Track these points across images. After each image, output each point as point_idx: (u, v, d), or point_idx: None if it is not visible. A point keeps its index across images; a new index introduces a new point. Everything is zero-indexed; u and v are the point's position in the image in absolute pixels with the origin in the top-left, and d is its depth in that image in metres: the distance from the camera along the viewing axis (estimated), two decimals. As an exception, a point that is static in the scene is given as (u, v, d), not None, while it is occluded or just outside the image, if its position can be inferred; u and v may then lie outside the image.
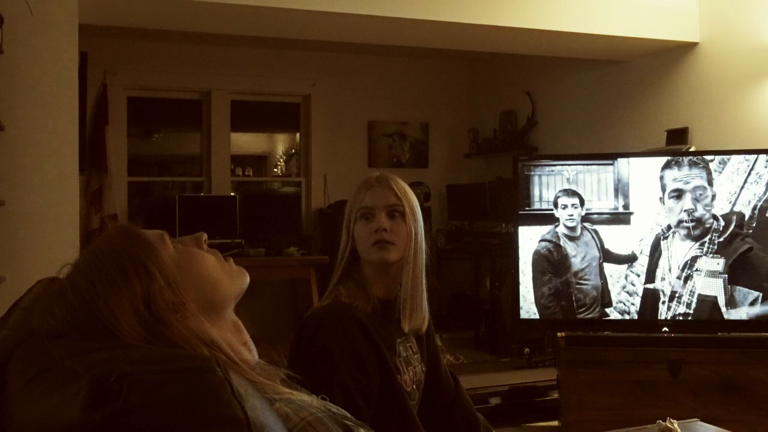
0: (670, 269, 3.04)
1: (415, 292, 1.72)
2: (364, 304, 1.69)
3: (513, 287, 3.20)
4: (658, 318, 3.05)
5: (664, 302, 3.04)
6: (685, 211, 3.01)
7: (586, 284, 3.09)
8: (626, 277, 3.08)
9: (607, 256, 3.09)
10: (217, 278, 1.04)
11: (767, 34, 3.83)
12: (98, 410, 0.71)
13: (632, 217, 3.09)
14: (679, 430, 1.62)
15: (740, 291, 2.98)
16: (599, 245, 3.09)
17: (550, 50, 4.60)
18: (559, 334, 3.12)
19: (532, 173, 3.17)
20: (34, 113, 3.17)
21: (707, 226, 3.00)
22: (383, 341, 1.67)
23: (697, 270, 3.01)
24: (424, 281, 1.75)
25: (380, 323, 1.70)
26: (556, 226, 3.12)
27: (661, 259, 3.05)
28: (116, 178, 5.66)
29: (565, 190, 3.12)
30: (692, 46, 4.30)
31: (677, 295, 3.03)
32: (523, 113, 5.96)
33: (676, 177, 3.04)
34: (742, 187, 2.98)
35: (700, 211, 3.00)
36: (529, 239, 3.14)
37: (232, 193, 6.05)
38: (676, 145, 4.26)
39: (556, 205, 3.12)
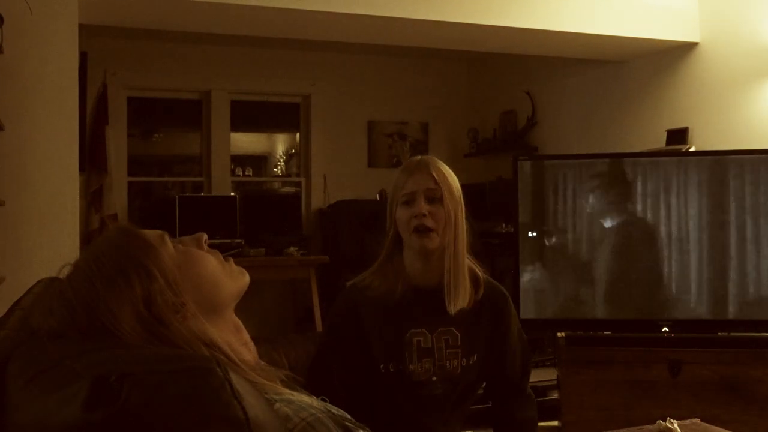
0: None
1: (457, 275, 1.77)
2: (387, 287, 1.78)
3: (513, 287, 3.20)
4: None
5: None
6: None
7: None
8: None
9: None
10: (217, 278, 1.04)
11: (767, 34, 3.83)
12: (98, 410, 0.71)
13: None
14: (679, 430, 1.62)
15: None
16: None
17: (550, 50, 4.60)
18: (559, 334, 3.11)
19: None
20: (34, 113, 3.17)
21: None
22: (382, 326, 1.78)
23: None
24: (465, 265, 1.80)
25: (396, 310, 1.78)
26: None
27: None
28: (116, 178, 5.65)
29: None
30: (692, 46, 4.30)
31: None
32: (523, 113, 5.96)
33: None
34: None
35: None
36: None
37: (232, 193, 6.04)
38: (676, 145, 4.26)
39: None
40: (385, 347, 1.79)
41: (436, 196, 1.76)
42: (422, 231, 1.74)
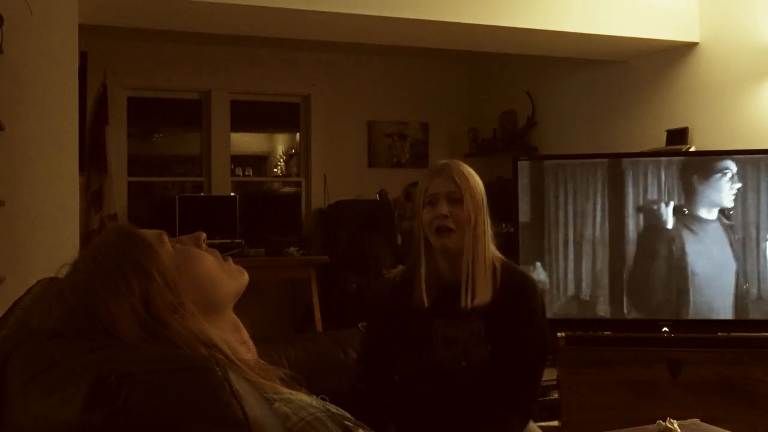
0: None
1: (476, 274, 1.84)
2: (416, 281, 1.88)
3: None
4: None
5: None
6: None
7: None
8: None
9: None
10: (215, 277, 1.04)
11: (767, 34, 3.83)
12: (98, 410, 0.71)
13: None
14: (679, 430, 1.62)
15: None
16: None
17: (550, 50, 4.59)
18: (559, 334, 3.11)
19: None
20: (34, 113, 3.17)
21: None
22: (409, 317, 1.88)
23: None
24: (486, 264, 1.86)
25: (424, 302, 1.86)
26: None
27: None
28: (116, 178, 5.65)
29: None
30: (692, 46, 4.30)
31: None
32: (523, 113, 5.96)
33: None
34: None
35: None
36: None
37: (232, 193, 6.04)
38: (676, 145, 4.26)
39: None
40: (411, 336, 1.89)
41: (457, 197, 1.85)
42: (443, 231, 1.84)
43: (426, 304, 1.87)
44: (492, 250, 1.90)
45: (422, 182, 1.92)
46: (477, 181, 1.91)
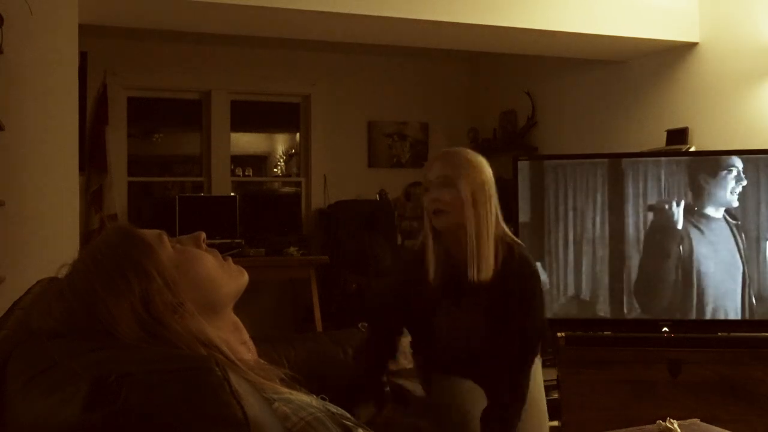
0: None
1: (479, 250, 1.94)
2: (424, 260, 2.02)
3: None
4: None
5: None
6: None
7: None
8: None
9: None
10: (215, 277, 1.04)
11: (767, 34, 3.83)
12: (97, 410, 0.71)
13: None
14: (679, 430, 1.63)
15: None
16: None
17: (550, 50, 4.59)
18: (559, 334, 3.12)
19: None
20: (34, 113, 3.17)
21: None
22: (417, 289, 2.04)
23: None
24: (489, 240, 1.95)
25: (430, 278, 2.01)
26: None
27: None
28: (116, 178, 5.65)
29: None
30: (692, 46, 4.30)
31: None
32: (523, 113, 5.96)
33: None
34: None
35: None
36: None
37: (232, 193, 6.04)
38: (676, 145, 4.26)
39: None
40: (417, 307, 2.06)
41: (449, 182, 1.95)
42: (437, 213, 1.97)
43: (432, 278, 2.00)
44: (502, 229, 2.00)
45: (424, 170, 2.07)
46: (476, 164, 1.99)
